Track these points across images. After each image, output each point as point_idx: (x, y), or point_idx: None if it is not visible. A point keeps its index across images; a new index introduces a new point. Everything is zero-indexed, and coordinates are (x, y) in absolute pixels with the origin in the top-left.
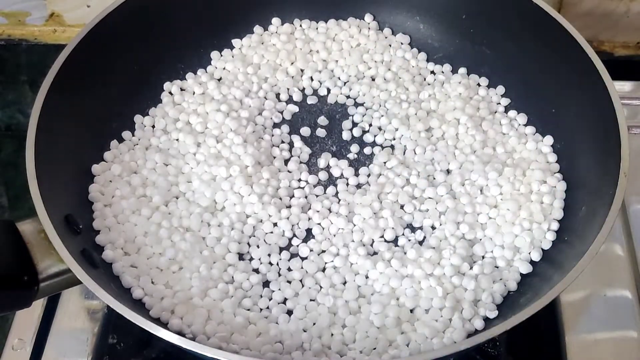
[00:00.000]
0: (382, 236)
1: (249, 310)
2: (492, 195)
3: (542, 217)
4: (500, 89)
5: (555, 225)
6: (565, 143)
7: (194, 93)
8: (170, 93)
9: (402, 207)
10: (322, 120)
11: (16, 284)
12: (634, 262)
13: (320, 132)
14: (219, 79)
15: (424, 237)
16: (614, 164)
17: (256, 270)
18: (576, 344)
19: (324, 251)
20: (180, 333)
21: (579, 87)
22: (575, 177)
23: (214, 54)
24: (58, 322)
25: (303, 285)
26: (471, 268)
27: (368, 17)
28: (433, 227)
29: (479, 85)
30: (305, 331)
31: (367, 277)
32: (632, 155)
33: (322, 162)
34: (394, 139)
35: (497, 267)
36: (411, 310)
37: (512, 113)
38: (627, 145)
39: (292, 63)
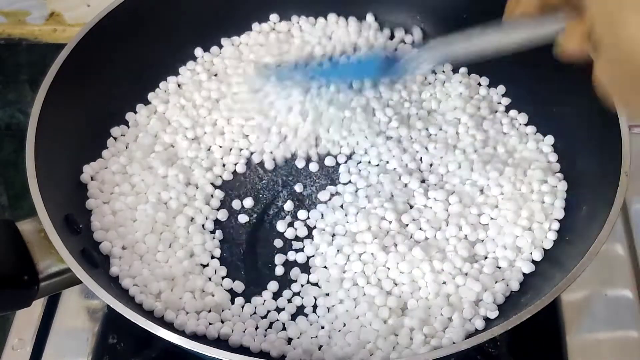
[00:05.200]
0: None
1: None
2: (493, 195)
3: (543, 217)
4: (501, 89)
5: (556, 225)
6: (566, 143)
7: (193, 91)
8: (170, 91)
9: (403, 206)
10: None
11: (16, 283)
12: (634, 261)
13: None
14: (216, 75)
15: (426, 237)
16: (615, 163)
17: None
18: (577, 344)
19: (324, 252)
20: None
21: (580, 86)
22: (576, 177)
23: (214, 51)
24: (58, 322)
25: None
26: (472, 268)
27: (369, 17)
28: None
29: (479, 84)
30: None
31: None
32: (633, 154)
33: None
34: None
35: (499, 268)
36: (411, 310)
37: (513, 112)
38: (628, 145)
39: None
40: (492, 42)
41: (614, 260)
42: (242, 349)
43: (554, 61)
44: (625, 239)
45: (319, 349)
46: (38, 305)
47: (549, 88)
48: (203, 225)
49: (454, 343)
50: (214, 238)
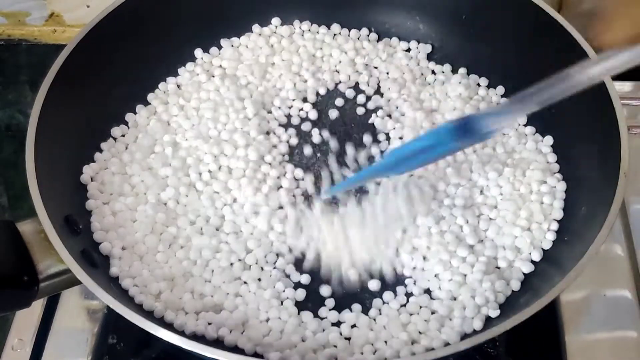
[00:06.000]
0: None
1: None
2: (492, 195)
3: (542, 217)
4: (500, 89)
5: (555, 225)
6: (565, 143)
7: (193, 92)
8: (169, 92)
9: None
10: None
11: (16, 284)
12: (633, 262)
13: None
14: (214, 76)
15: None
16: (614, 164)
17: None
18: (576, 344)
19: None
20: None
21: None
22: (575, 177)
23: (213, 52)
24: (58, 322)
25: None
26: (472, 270)
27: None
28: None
29: (478, 85)
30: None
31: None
32: (632, 155)
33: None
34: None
35: (498, 268)
36: (410, 310)
37: None
38: (627, 146)
39: (292, 61)
40: (582, 81)
41: (613, 261)
42: (240, 350)
43: (553, 61)
44: (624, 240)
45: (314, 351)
46: (38, 306)
47: None
48: (202, 228)
49: (453, 343)
50: (221, 242)
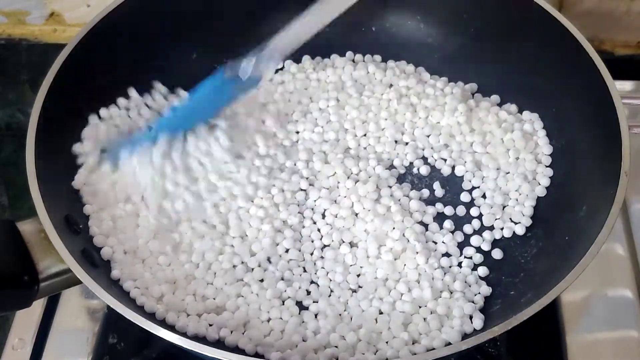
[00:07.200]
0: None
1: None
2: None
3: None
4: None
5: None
6: (566, 143)
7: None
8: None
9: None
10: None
11: (16, 283)
12: (634, 261)
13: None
14: None
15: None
16: (615, 163)
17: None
18: (577, 344)
19: (326, 245)
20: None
21: (580, 86)
22: (576, 177)
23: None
24: (58, 322)
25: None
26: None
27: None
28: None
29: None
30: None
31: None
32: (633, 154)
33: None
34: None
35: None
36: (410, 309)
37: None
38: (628, 145)
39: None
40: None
41: (614, 260)
42: (241, 350)
43: (554, 61)
44: (625, 239)
45: (315, 351)
46: (38, 305)
47: (549, 88)
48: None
49: (454, 343)
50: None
